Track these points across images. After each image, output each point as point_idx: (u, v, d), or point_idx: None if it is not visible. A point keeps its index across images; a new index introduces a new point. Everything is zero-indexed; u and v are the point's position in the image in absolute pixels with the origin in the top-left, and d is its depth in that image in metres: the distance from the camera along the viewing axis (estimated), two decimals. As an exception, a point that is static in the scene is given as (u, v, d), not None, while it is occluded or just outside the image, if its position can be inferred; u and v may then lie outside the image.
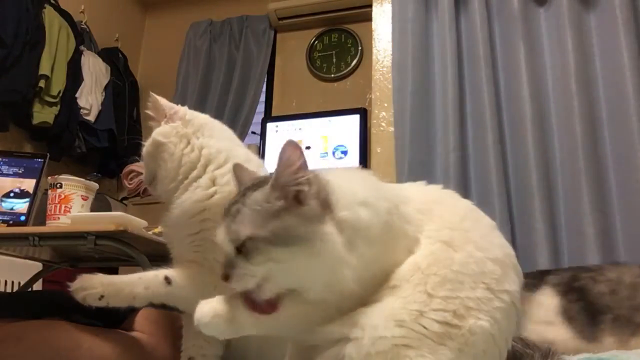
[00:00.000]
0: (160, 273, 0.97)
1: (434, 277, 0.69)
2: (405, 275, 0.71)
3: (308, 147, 3.00)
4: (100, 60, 3.39)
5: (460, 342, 0.67)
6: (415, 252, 0.74)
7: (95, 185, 1.57)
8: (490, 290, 0.71)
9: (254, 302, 0.66)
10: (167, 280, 0.96)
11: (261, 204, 0.65)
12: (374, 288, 0.70)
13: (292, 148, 0.65)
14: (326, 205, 0.65)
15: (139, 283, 0.95)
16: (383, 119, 2.24)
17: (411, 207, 0.78)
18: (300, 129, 3.13)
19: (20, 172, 1.65)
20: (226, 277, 0.64)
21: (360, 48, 3.51)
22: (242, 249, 0.64)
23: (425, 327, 0.66)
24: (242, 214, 0.65)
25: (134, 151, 3.56)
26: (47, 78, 2.87)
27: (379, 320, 0.67)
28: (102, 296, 0.94)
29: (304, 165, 0.66)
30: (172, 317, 1.18)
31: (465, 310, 0.68)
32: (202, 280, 0.97)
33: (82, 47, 3.26)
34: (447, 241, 0.74)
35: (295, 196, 0.65)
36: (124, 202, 2.76)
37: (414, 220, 0.77)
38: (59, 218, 1.46)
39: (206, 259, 0.97)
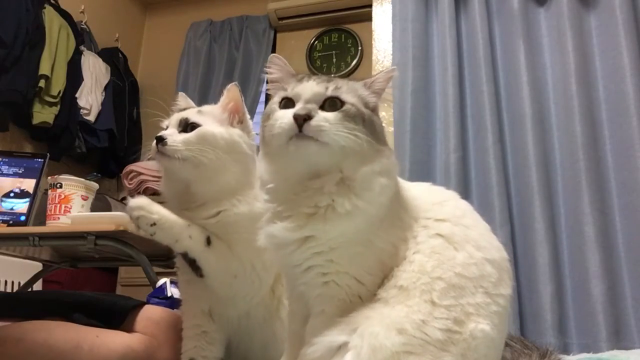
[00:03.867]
0: (204, 232, 0.99)
1: (440, 283, 0.70)
2: (411, 277, 0.71)
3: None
4: (100, 60, 3.39)
5: (462, 347, 0.67)
6: (411, 243, 0.75)
7: (95, 185, 1.57)
8: (488, 295, 0.71)
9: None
10: (208, 241, 0.99)
11: (357, 88, 0.79)
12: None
13: (392, 75, 0.81)
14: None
15: (187, 231, 0.97)
16: (383, 119, 2.23)
17: (409, 194, 0.80)
18: (300, 128, 3.13)
19: (20, 172, 1.65)
20: (308, 117, 0.71)
21: (360, 48, 3.51)
22: (325, 105, 0.74)
23: (427, 335, 0.66)
24: (338, 83, 0.77)
25: (134, 151, 3.56)
26: (47, 78, 2.87)
27: (380, 328, 0.67)
28: (154, 224, 0.96)
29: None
30: (174, 318, 1.18)
31: (465, 316, 0.68)
32: (233, 257, 1.00)
33: (82, 47, 3.26)
34: (447, 237, 0.74)
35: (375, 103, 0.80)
36: (124, 202, 2.76)
37: (410, 205, 0.78)
38: (59, 218, 1.46)
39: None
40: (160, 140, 0.98)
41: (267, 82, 0.82)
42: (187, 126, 1.01)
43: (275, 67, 0.82)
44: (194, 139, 0.98)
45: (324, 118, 0.71)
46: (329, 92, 0.75)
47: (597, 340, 1.72)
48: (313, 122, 0.70)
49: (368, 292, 0.74)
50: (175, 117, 1.04)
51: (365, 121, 0.74)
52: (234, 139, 1.02)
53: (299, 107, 0.73)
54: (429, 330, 0.66)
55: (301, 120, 0.70)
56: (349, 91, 0.76)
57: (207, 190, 1.00)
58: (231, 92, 1.07)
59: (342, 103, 0.74)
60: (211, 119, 1.03)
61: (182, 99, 1.15)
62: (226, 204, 1.00)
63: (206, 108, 1.07)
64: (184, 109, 1.09)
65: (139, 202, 0.96)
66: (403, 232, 0.76)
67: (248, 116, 1.09)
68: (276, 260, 0.84)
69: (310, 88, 0.75)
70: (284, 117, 0.72)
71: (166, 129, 1.04)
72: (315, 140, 0.70)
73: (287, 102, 0.76)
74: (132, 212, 0.96)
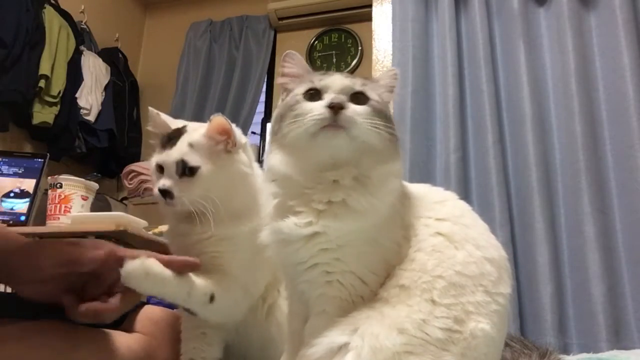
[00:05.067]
0: (207, 289, 0.94)
1: (440, 281, 0.70)
2: (412, 275, 0.71)
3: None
4: (100, 60, 3.39)
5: (462, 347, 0.67)
6: (413, 241, 0.75)
7: (95, 185, 1.57)
8: (488, 294, 0.71)
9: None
10: (212, 298, 0.94)
11: (376, 86, 0.80)
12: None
13: (395, 73, 0.86)
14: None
15: (185, 289, 0.90)
16: (383, 119, 2.24)
17: (411, 193, 0.80)
18: (300, 129, 3.13)
19: (20, 172, 1.65)
20: (340, 107, 0.71)
21: (360, 48, 3.51)
22: (353, 97, 0.75)
23: (427, 334, 0.66)
24: (362, 79, 0.79)
25: (134, 151, 3.57)
26: (47, 78, 2.87)
27: (381, 328, 0.66)
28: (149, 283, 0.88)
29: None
30: (173, 318, 1.18)
31: (465, 314, 0.68)
32: (240, 300, 1.01)
33: (82, 47, 3.26)
34: (448, 236, 0.74)
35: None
36: (124, 202, 2.76)
37: (412, 204, 0.78)
38: (59, 218, 1.47)
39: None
40: (166, 194, 0.96)
41: (281, 76, 0.84)
42: (185, 169, 0.97)
43: (293, 62, 0.83)
44: (198, 190, 0.96)
45: (354, 110, 0.72)
46: (357, 87, 0.76)
47: (597, 340, 1.72)
48: (348, 112, 0.71)
49: (371, 293, 0.74)
50: (171, 160, 0.98)
51: (387, 119, 0.75)
52: (233, 169, 1.00)
53: (332, 97, 0.73)
54: (430, 330, 0.66)
55: (337, 109, 0.70)
56: (372, 88, 0.77)
57: (213, 216, 0.97)
58: (215, 122, 1.01)
59: (368, 99, 0.75)
60: (206, 154, 0.99)
61: (157, 118, 1.06)
62: (229, 224, 0.98)
63: (195, 139, 1.00)
64: (167, 133, 1.02)
65: (132, 267, 0.85)
66: (406, 231, 0.76)
67: (240, 136, 1.04)
68: (278, 258, 0.82)
69: (340, 81, 0.76)
70: (316, 108, 0.72)
71: (161, 169, 0.99)
72: (346, 131, 0.70)
73: (314, 94, 0.75)
74: (124, 279, 0.85)
